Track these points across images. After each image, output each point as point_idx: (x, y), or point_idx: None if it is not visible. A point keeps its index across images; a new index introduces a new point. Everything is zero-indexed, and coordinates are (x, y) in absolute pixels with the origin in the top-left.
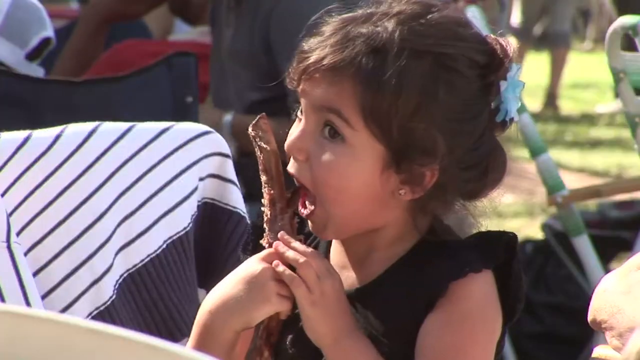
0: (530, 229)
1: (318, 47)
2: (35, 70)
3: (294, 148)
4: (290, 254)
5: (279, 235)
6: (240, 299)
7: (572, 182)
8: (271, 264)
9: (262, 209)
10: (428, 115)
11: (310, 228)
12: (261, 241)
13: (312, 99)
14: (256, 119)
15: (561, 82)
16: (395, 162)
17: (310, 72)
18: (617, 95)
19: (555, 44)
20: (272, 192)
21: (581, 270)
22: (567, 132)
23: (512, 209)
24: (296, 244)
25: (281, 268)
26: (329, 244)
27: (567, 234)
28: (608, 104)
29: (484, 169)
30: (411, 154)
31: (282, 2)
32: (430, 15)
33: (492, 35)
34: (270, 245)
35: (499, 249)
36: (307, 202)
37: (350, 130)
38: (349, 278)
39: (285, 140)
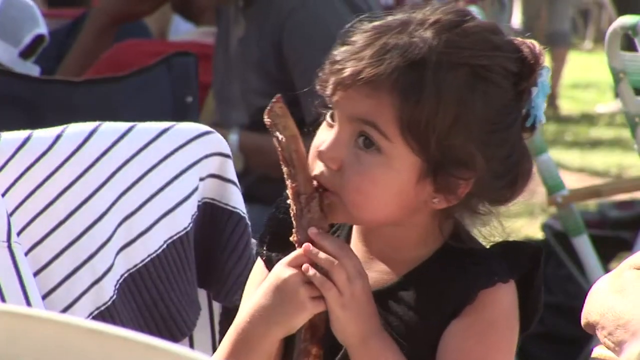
0: (530, 229)
1: (353, 59)
2: (31, 69)
3: (327, 157)
4: (321, 256)
5: (309, 232)
6: (276, 309)
7: (572, 182)
8: (300, 267)
9: (288, 202)
10: (466, 127)
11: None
12: (291, 238)
13: (347, 110)
14: (270, 104)
15: (561, 82)
16: (432, 173)
17: (346, 84)
18: (617, 95)
19: (555, 43)
20: (295, 185)
21: (581, 270)
22: (567, 132)
23: (512, 209)
24: (326, 242)
25: (312, 272)
26: (349, 235)
27: (567, 234)
28: (608, 104)
29: (515, 177)
30: (448, 166)
31: (301, 10)
32: (465, 25)
33: (521, 39)
34: (299, 244)
35: (524, 260)
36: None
37: (387, 142)
38: (369, 277)
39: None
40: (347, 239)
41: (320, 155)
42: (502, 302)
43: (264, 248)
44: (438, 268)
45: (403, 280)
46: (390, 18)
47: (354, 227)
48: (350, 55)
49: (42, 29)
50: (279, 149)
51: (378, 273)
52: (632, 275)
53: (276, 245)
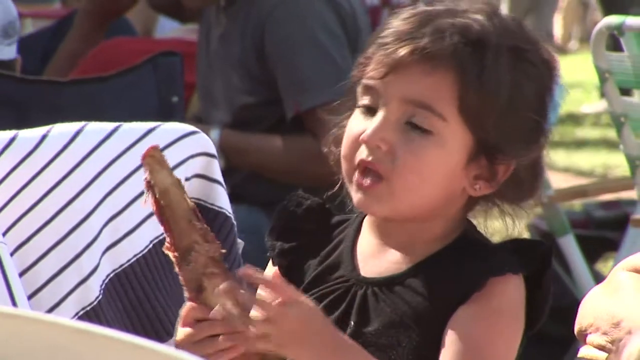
0: (515, 229)
1: (409, 38)
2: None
3: (376, 138)
4: (236, 323)
5: (241, 274)
6: None
7: (557, 181)
8: (193, 323)
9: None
10: (516, 110)
11: (357, 201)
12: (185, 294)
13: (400, 91)
14: (146, 150)
15: None
16: (484, 153)
17: (406, 62)
18: (602, 95)
19: None
20: (171, 240)
21: (567, 270)
22: (552, 132)
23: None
24: (231, 305)
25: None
26: (357, 232)
27: (552, 234)
28: (594, 104)
29: (538, 174)
30: (496, 149)
31: (281, 8)
32: (501, 13)
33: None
34: (190, 298)
35: (534, 257)
36: (369, 178)
37: (441, 122)
38: (378, 266)
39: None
40: (356, 232)
41: (368, 138)
42: (510, 293)
43: (272, 240)
44: (450, 258)
45: (414, 268)
46: (432, 7)
47: (367, 221)
48: (404, 35)
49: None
50: (153, 205)
51: (388, 262)
52: (624, 276)
53: (284, 237)
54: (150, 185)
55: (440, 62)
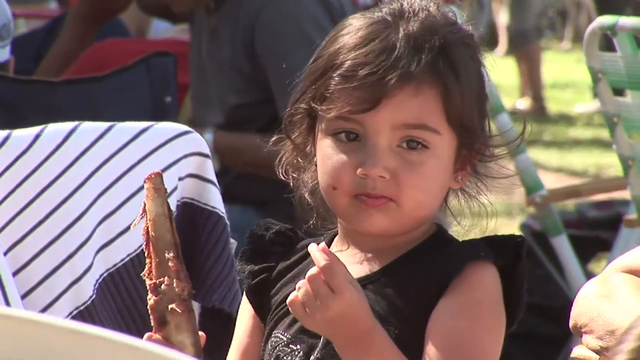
0: (508, 229)
1: (387, 65)
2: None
3: (378, 170)
4: None
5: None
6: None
7: (550, 182)
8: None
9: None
10: (482, 93)
11: (364, 222)
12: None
13: (392, 119)
14: (149, 174)
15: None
16: (466, 148)
17: (394, 90)
18: (595, 95)
19: (521, 42)
20: (149, 265)
21: (560, 270)
22: (545, 132)
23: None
24: (189, 344)
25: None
26: (329, 244)
27: (545, 234)
28: (586, 104)
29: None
30: (472, 139)
31: (270, 7)
32: (430, 7)
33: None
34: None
35: (507, 250)
36: (377, 199)
37: (437, 136)
38: (352, 270)
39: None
40: (330, 242)
41: (369, 172)
42: (489, 283)
43: (243, 264)
44: (424, 254)
45: (388, 266)
46: (371, 17)
47: (340, 234)
48: (381, 63)
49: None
50: (144, 228)
51: (363, 265)
52: (619, 278)
53: (253, 260)
54: (145, 210)
55: (422, 81)
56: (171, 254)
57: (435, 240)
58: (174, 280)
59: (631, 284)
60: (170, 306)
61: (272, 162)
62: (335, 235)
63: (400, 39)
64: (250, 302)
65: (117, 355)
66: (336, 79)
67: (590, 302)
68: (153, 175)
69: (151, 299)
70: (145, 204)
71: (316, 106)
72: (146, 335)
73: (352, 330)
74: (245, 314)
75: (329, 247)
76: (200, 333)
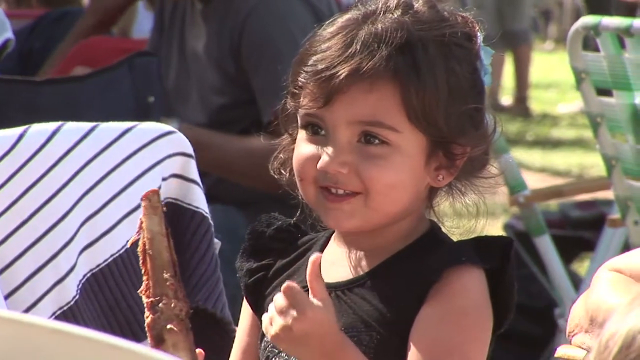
0: (491, 229)
1: (342, 61)
2: None
3: (335, 165)
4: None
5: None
6: None
7: (533, 182)
8: None
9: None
10: (458, 94)
11: (329, 220)
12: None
13: (346, 115)
14: (147, 192)
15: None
16: (438, 149)
17: (345, 87)
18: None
19: (516, 42)
20: (147, 283)
21: (543, 270)
22: (528, 132)
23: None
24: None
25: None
26: (325, 245)
27: (528, 234)
28: (570, 104)
29: (488, 147)
30: (450, 137)
31: (260, 10)
32: (414, 3)
33: (448, 9)
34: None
35: (495, 252)
36: (341, 194)
37: (395, 134)
38: (341, 272)
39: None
40: (323, 247)
41: (327, 166)
42: (472, 289)
43: (244, 261)
44: (410, 256)
45: (376, 269)
46: (347, 15)
47: (335, 233)
48: (335, 58)
49: (10, 33)
50: (140, 246)
51: (352, 267)
52: (602, 273)
53: (253, 257)
54: (142, 227)
55: (377, 78)
56: (169, 273)
57: (426, 241)
58: (172, 300)
59: (613, 276)
60: (167, 325)
61: (237, 166)
62: (334, 232)
63: (360, 36)
64: (248, 301)
65: (100, 355)
66: (302, 74)
67: (579, 303)
68: (150, 193)
69: (148, 317)
70: (141, 222)
71: (290, 101)
72: None
73: (319, 348)
74: (245, 313)
75: (327, 245)
76: (198, 350)
